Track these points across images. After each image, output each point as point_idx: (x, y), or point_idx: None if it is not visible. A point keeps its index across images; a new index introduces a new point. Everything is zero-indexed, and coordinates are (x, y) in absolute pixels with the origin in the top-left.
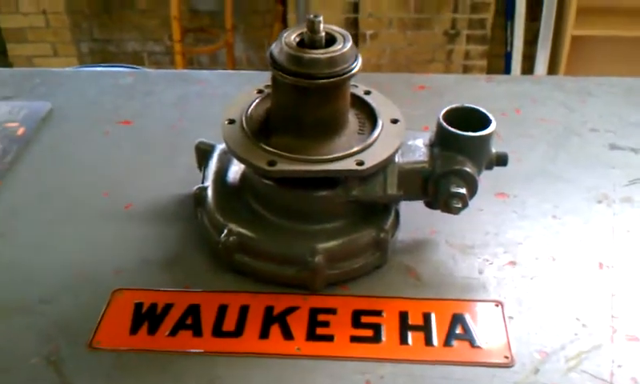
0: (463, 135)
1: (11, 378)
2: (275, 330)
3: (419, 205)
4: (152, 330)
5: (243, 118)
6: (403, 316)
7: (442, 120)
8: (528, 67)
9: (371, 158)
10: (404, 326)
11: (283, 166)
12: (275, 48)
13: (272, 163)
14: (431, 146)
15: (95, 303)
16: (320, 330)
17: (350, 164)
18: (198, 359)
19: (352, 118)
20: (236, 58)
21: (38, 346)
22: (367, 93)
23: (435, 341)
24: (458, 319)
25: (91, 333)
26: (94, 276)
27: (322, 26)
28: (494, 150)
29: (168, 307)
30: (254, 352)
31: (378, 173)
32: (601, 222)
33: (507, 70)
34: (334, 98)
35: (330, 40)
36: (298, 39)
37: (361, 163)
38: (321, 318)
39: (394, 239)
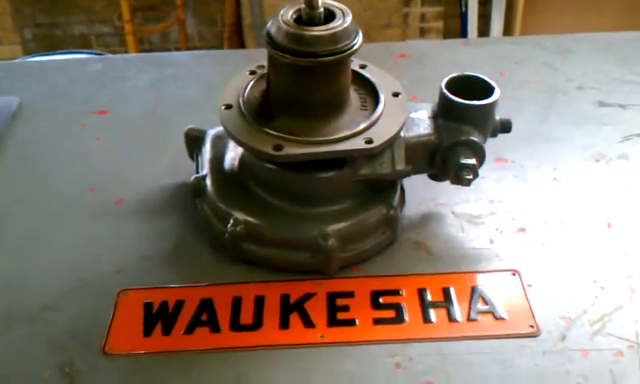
0: (469, 104)
1: None
2: (295, 318)
3: (420, 178)
4: (167, 330)
5: (240, 102)
6: (422, 293)
7: (445, 90)
8: (484, 26)
9: (380, 135)
10: (425, 304)
11: (290, 150)
12: (272, 26)
13: (278, 147)
14: (434, 117)
15: (101, 306)
16: (341, 315)
17: (358, 143)
18: (218, 356)
19: (352, 94)
20: (188, 34)
21: (48, 357)
22: (363, 66)
23: (459, 316)
24: (477, 291)
25: (102, 338)
26: (94, 278)
27: (320, 1)
28: (497, 118)
29: (180, 304)
30: (277, 344)
31: (385, 149)
32: (601, 181)
33: (464, 31)
34: (336, 75)
35: (329, 15)
36: (295, 16)
37: (370, 141)
38: (340, 302)
39: (401, 216)
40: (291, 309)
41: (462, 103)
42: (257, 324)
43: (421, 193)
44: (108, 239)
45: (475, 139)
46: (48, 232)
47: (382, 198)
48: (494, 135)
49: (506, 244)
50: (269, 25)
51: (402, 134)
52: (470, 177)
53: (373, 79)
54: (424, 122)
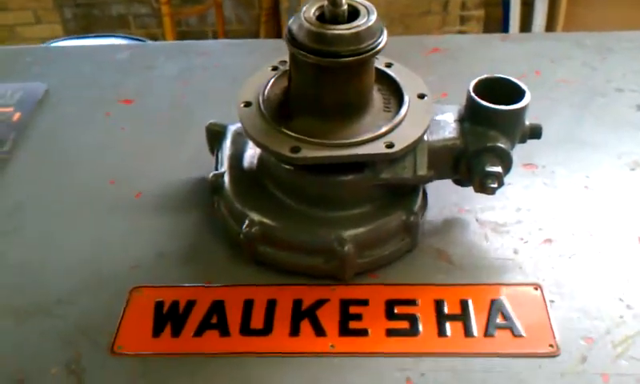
0: (497, 109)
1: None
2: (306, 326)
3: (444, 182)
4: (176, 332)
5: (260, 100)
6: (439, 304)
7: (472, 93)
8: (526, 14)
9: (401, 139)
10: (441, 316)
11: (308, 153)
12: (294, 24)
13: (295, 149)
14: (461, 120)
15: (114, 303)
16: (353, 324)
17: (379, 147)
18: (227, 360)
19: (375, 95)
20: (225, 17)
21: (57, 353)
22: (389, 65)
23: (475, 331)
24: (496, 305)
25: (112, 336)
26: (110, 273)
27: None
28: (527, 122)
29: (190, 305)
30: (287, 352)
31: (407, 153)
32: (635, 192)
33: (505, 19)
34: (359, 76)
35: (353, 13)
36: (317, 13)
37: (390, 145)
38: (353, 310)
39: (422, 221)
40: (303, 315)
41: (490, 107)
42: (267, 329)
43: (445, 197)
44: (125, 233)
45: (502, 146)
46: (66, 225)
47: (403, 203)
48: (522, 141)
49: (530, 255)
50: (291, 22)
51: (425, 137)
52: (495, 185)
53: (398, 79)
54: (449, 126)
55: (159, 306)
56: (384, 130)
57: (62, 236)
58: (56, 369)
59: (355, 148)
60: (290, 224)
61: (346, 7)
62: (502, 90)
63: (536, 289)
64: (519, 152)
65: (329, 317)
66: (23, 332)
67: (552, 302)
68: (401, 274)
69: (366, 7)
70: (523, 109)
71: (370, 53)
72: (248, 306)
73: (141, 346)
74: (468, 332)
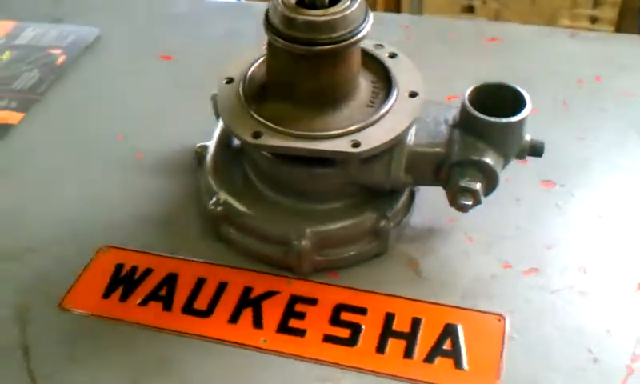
0: (487, 121)
1: None
2: (247, 315)
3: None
4: (124, 297)
5: (242, 78)
6: (389, 318)
7: (466, 99)
8: None
9: (370, 140)
10: (386, 331)
11: (267, 140)
12: (272, 4)
13: (257, 135)
14: (455, 125)
15: (79, 259)
16: (294, 322)
17: (343, 144)
18: (156, 336)
19: (366, 86)
20: None
21: (10, 299)
22: (392, 56)
23: (415, 354)
24: (449, 330)
25: (65, 291)
26: (86, 229)
27: None
28: (527, 137)
29: (147, 273)
30: (216, 338)
31: (383, 154)
32: None
33: None
34: (335, 65)
35: None
36: None
37: (357, 144)
38: (299, 308)
39: (401, 225)
40: (248, 303)
41: (480, 118)
42: (208, 312)
43: (438, 203)
44: (114, 191)
45: (488, 161)
46: (63, 175)
47: (377, 205)
48: (520, 157)
49: (508, 282)
50: (270, 2)
51: (409, 138)
52: (469, 203)
53: (393, 73)
54: (439, 130)
55: (118, 268)
56: (355, 126)
57: (54, 185)
58: (5, 311)
59: (318, 142)
60: (254, 209)
61: None
62: (506, 97)
63: (499, 320)
64: (541, 165)
65: (273, 310)
66: None
67: (512, 338)
68: (362, 278)
69: None
70: (518, 123)
71: (343, 43)
72: (199, 284)
73: (88, 305)
74: (408, 353)
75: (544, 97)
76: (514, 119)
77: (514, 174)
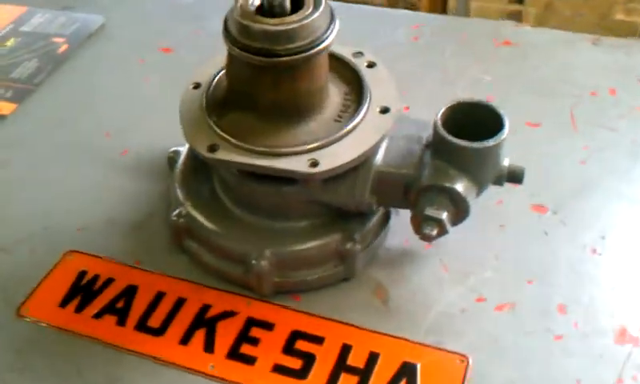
0: (457, 143)
1: None
2: (199, 337)
3: None
4: (80, 308)
5: (208, 84)
6: (345, 350)
7: (438, 119)
8: None
9: (330, 159)
10: (340, 364)
11: (223, 154)
12: (231, 9)
13: (213, 148)
14: (428, 146)
15: (45, 262)
16: (246, 348)
17: (299, 163)
18: (106, 352)
19: (337, 99)
20: None
21: None
22: (371, 65)
23: None
24: (406, 369)
25: (25, 296)
26: (57, 229)
27: None
28: (506, 162)
29: (108, 283)
30: (167, 360)
31: (347, 174)
32: None
33: None
34: (297, 77)
35: (298, 4)
36: (258, 2)
37: (315, 164)
38: (253, 332)
39: (372, 247)
40: (202, 324)
41: (451, 141)
42: (161, 330)
43: None
44: (91, 191)
45: (459, 189)
46: (45, 170)
47: (345, 225)
48: (498, 183)
49: (478, 319)
50: (230, 8)
51: (377, 157)
52: (433, 233)
53: (367, 85)
54: (411, 149)
55: (80, 276)
56: (315, 144)
57: (34, 181)
58: None
59: (275, 159)
60: (216, 224)
61: None
62: (485, 117)
63: (462, 361)
64: (535, 186)
65: (227, 332)
66: None
67: (473, 383)
68: (325, 303)
69: None
70: (494, 148)
71: (303, 54)
72: (157, 298)
73: (44, 313)
74: None
75: (551, 109)
76: (487, 144)
77: (505, 194)
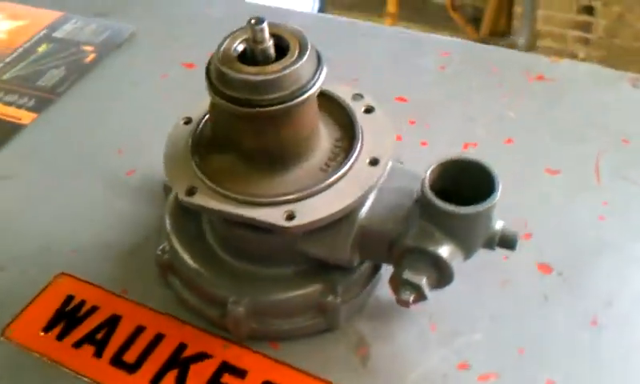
0: (442, 207)
1: None
2: (170, 378)
3: None
4: (62, 335)
5: (199, 121)
6: None
7: (426, 179)
8: None
9: (308, 213)
10: None
11: (200, 199)
12: (212, 55)
13: (191, 192)
14: (417, 201)
15: (37, 282)
16: None
17: (275, 215)
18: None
19: (327, 144)
20: None
21: None
22: (369, 110)
23: None
24: None
25: (12, 318)
26: (52, 250)
27: (266, 34)
28: (499, 225)
29: (92, 310)
30: None
31: (327, 227)
32: None
33: None
34: (280, 126)
35: (283, 50)
36: (241, 47)
37: (291, 217)
38: (225, 379)
39: (360, 298)
40: (176, 364)
41: (437, 205)
42: (136, 366)
43: None
44: (91, 211)
45: (443, 256)
46: (55, 186)
47: (329, 275)
48: (489, 247)
49: None
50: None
51: (362, 210)
52: (409, 299)
53: (359, 132)
54: (400, 203)
55: (67, 300)
56: (294, 195)
57: (39, 196)
58: None
59: (252, 208)
60: (197, 263)
61: (269, 45)
62: (479, 177)
63: None
64: (546, 242)
65: (198, 377)
66: None
67: None
68: (304, 354)
69: (299, 41)
70: (483, 213)
71: (282, 105)
72: (138, 331)
73: (28, 337)
74: None
75: (576, 154)
76: (476, 209)
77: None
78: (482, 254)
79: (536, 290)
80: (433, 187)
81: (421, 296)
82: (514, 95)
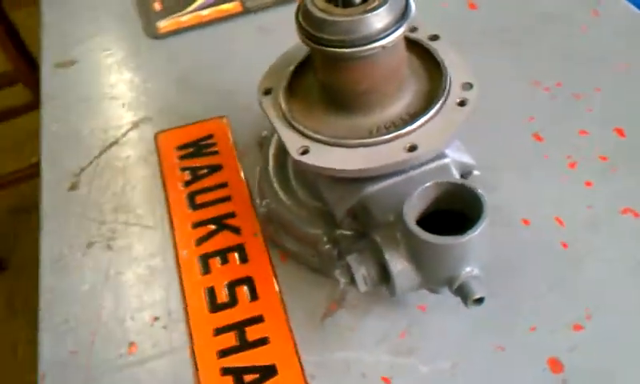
0: (407, 224)
1: None
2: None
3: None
4: (183, 157)
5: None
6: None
7: (413, 197)
8: None
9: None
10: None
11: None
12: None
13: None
14: None
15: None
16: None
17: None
18: None
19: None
20: None
21: None
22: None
23: None
24: None
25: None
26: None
27: None
28: (465, 276)
29: (214, 152)
30: None
31: (343, 182)
32: None
33: None
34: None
35: None
36: None
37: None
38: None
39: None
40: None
41: (404, 219)
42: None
43: None
44: None
45: (392, 269)
46: None
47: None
48: (458, 295)
49: None
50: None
51: (373, 188)
52: (340, 279)
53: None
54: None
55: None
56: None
57: None
58: None
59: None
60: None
61: None
62: (472, 204)
63: None
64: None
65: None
66: None
67: None
68: (294, 275)
69: None
70: (444, 247)
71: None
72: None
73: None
74: None
75: None
76: (430, 239)
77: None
78: None
79: None
80: (438, 199)
81: (352, 283)
82: None
